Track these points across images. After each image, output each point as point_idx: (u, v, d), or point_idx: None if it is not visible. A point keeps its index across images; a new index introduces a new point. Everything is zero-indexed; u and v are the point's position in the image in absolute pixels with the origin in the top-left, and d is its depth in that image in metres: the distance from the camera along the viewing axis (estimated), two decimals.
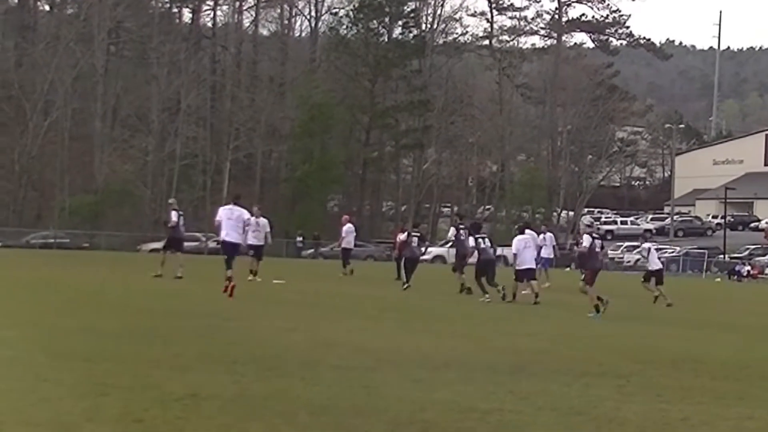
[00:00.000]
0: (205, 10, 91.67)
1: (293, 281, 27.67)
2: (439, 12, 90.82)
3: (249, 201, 49.70)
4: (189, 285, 22.99)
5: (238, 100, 78.83)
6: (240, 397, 7.96)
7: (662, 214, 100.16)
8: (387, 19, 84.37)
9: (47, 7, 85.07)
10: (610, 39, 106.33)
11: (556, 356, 12.23)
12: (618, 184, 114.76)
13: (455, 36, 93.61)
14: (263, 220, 28.18)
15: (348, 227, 33.64)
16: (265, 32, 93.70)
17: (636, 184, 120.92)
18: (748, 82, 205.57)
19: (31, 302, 17.31)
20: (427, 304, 21.27)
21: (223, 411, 7.39)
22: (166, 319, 14.62)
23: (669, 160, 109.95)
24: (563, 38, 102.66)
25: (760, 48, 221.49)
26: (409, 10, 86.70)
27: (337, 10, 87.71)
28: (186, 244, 55.33)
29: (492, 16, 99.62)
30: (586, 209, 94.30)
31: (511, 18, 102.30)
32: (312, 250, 65.55)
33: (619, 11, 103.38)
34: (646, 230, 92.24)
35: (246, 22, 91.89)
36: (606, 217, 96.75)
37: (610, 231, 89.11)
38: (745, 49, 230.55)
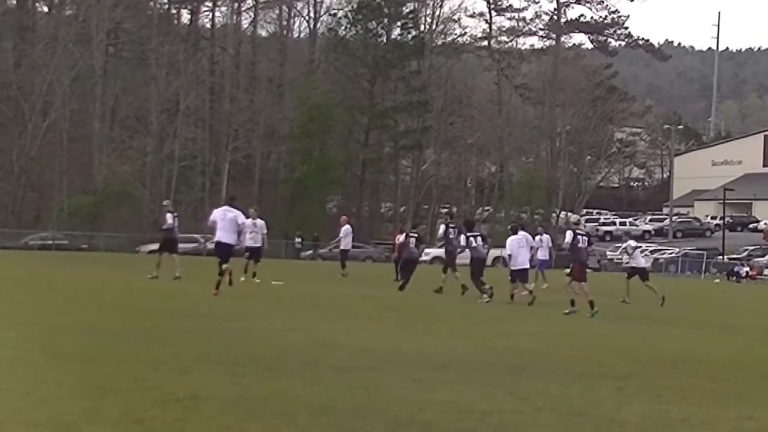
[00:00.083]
0: (204, 11, 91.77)
1: (292, 282, 27.65)
2: (437, 13, 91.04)
3: (248, 202, 49.69)
4: (188, 286, 22.97)
5: (236, 101, 78.83)
6: (240, 398, 7.96)
7: (661, 215, 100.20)
8: (386, 20, 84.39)
9: (46, 8, 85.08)
10: (609, 40, 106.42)
11: (556, 357, 12.23)
12: (617, 185, 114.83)
13: (454, 37, 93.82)
14: (260, 222, 28.14)
15: (346, 228, 33.61)
16: (263, 33, 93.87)
17: (635, 184, 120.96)
18: (747, 83, 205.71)
19: (31, 303, 17.30)
20: (426, 305, 21.26)
21: (223, 412, 7.39)
22: (166, 319, 14.61)
23: (668, 161, 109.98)
24: (562, 39, 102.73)
25: (759, 49, 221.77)
26: (407, 11, 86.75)
27: (335, 11, 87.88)
28: (184, 245, 55.67)
29: (491, 17, 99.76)
30: (585, 210, 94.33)
31: (509, 19, 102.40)
32: (311, 251, 65.52)
33: (618, 12, 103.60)
34: (645, 231, 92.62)
35: (245, 23, 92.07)
36: (605, 218, 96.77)
37: (609, 232, 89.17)
38: (743, 50, 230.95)
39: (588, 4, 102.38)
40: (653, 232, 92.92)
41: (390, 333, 14.48)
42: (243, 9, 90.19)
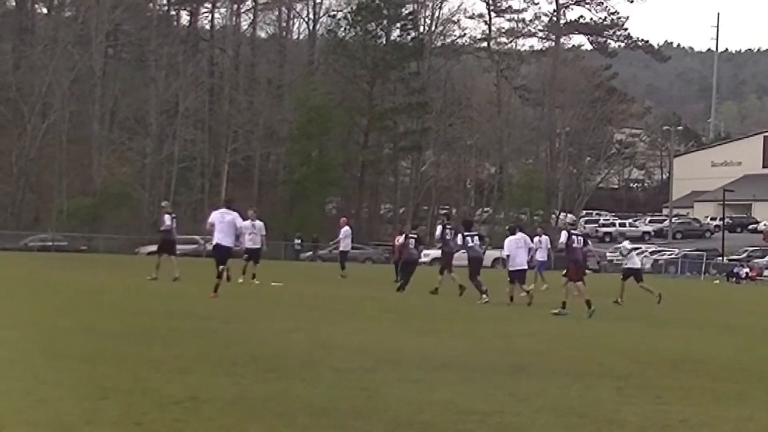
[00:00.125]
0: (203, 13, 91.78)
1: (292, 283, 27.66)
2: (437, 14, 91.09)
3: (247, 204, 49.68)
4: (187, 287, 22.97)
5: (236, 103, 78.84)
6: (240, 399, 7.96)
7: (661, 216, 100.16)
8: (385, 22, 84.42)
9: (45, 10, 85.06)
10: (609, 41, 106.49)
11: (556, 357, 12.23)
12: (616, 186, 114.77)
13: (453, 38, 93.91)
14: (259, 223, 28.12)
15: (345, 230, 33.61)
16: (263, 35, 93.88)
17: (634, 186, 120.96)
18: (746, 84, 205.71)
19: (30, 304, 17.30)
20: (425, 306, 21.27)
21: (223, 413, 7.39)
22: (166, 320, 14.61)
23: (667, 162, 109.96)
24: (561, 40, 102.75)
25: (759, 50, 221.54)
26: (407, 12, 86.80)
27: (335, 12, 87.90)
28: (184, 246, 55.66)
29: (490, 19, 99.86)
30: (584, 211, 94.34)
31: (509, 20, 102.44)
32: (310, 253, 65.52)
33: (617, 13, 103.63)
34: (645, 232, 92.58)
35: (244, 25, 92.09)
36: (604, 219, 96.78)
37: (609, 233, 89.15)
38: (743, 51, 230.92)
39: (587, 6, 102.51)
40: (653, 233, 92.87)
41: (390, 334, 14.49)
42: (242, 10, 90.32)
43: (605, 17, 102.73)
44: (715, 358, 13.13)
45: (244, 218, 23.27)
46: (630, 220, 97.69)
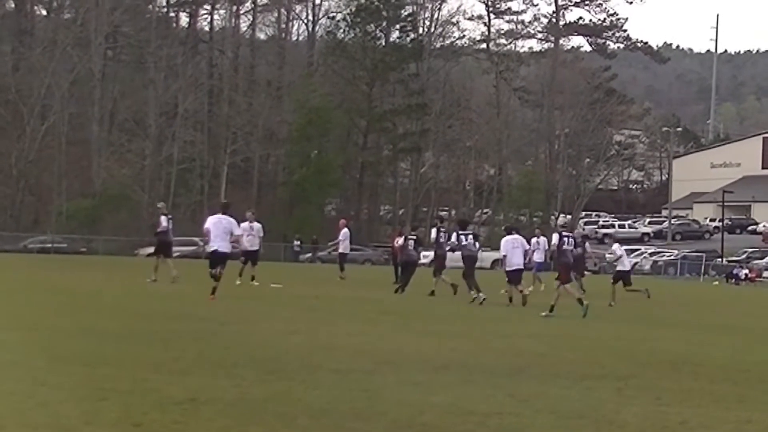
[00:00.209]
0: (203, 15, 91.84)
1: (291, 285, 27.66)
2: (436, 16, 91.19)
3: (246, 205, 49.77)
4: (187, 288, 22.97)
5: (235, 104, 78.86)
6: (240, 401, 7.96)
7: (660, 217, 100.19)
8: (384, 23, 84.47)
9: (44, 12, 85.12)
10: (608, 42, 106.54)
11: (556, 358, 12.23)
12: (616, 188, 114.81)
13: (452, 40, 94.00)
14: (257, 225, 28.13)
15: (344, 231, 33.62)
16: (262, 36, 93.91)
17: (634, 187, 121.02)
18: (745, 85, 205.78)
19: (30, 306, 17.31)
20: (425, 307, 21.27)
21: (223, 414, 7.39)
22: (165, 322, 14.61)
23: (666, 164, 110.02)
24: (560, 42, 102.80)
25: (758, 51, 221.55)
26: (406, 13, 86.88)
27: (334, 14, 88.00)
28: (183, 248, 55.66)
29: (489, 20, 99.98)
30: (584, 212, 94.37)
31: (508, 21, 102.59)
32: (310, 254, 65.53)
33: (617, 15, 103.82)
34: (644, 233, 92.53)
35: (243, 26, 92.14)
36: (604, 221, 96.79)
37: (608, 234, 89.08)
38: (742, 52, 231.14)
39: (586, 7, 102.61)
40: (652, 235, 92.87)
41: (389, 335, 14.49)
42: (241, 12, 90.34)
43: (604, 18, 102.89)
44: (715, 359, 13.13)
45: (241, 222, 23.31)
46: (629, 222, 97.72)
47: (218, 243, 20.44)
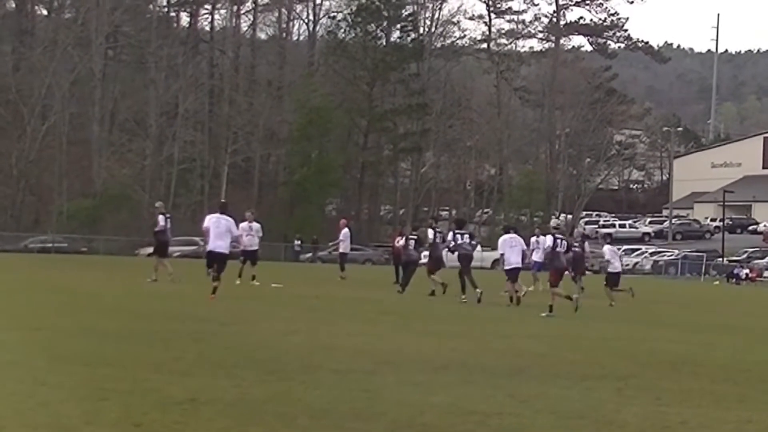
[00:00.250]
0: (203, 14, 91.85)
1: (292, 285, 27.66)
2: (437, 15, 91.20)
3: (246, 205, 49.75)
4: (188, 288, 22.98)
5: (236, 104, 78.86)
6: (240, 401, 7.96)
7: (661, 217, 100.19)
8: (385, 23, 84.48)
9: (45, 12, 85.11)
10: (608, 42, 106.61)
11: (556, 359, 12.23)
12: (616, 187, 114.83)
13: (453, 39, 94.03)
14: (256, 225, 28.16)
15: (345, 231, 33.63)
16: (263, 36, 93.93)
17: (634, 187, 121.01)
18: (746, 85, 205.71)
19: (30, 306, 17.31)
20: (425, 307, 21.28)
21: (223, 415, 7.39)
22: (166, 322, 14.61)
23: (667, 163, 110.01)
24: (561, 41, 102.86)
25: (758, 51, 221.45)
26: (407, 13, 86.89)
27: (335, 13, 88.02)
28: (185, 248, 55.63)
29: (490, 20, 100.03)
30: (584, 212, 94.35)
31: (509, 21, 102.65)
32: (310, 254, 65.54)
33: (617, 14, 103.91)
34: (645, 233, 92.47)
35: (244, 26, 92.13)
36: (604, 221, 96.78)
37: (609, 234, 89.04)
38: (743, 52, 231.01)
39: (587, 7, 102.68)
40: (653, 235, 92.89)
41: (389, 335, 14.49)
42: (242, 12, 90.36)
43: (605, 18, 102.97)
44: (715, 359, 13.13)
45: (240, 222, 23.38)
46: (630, 221, 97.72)
47: (217, 243, 20.48)
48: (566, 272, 22.14)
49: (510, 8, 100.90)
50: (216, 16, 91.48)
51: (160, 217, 27.57)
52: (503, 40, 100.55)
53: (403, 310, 20.23)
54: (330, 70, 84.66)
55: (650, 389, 9.71)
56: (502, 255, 23.63)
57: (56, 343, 11.35)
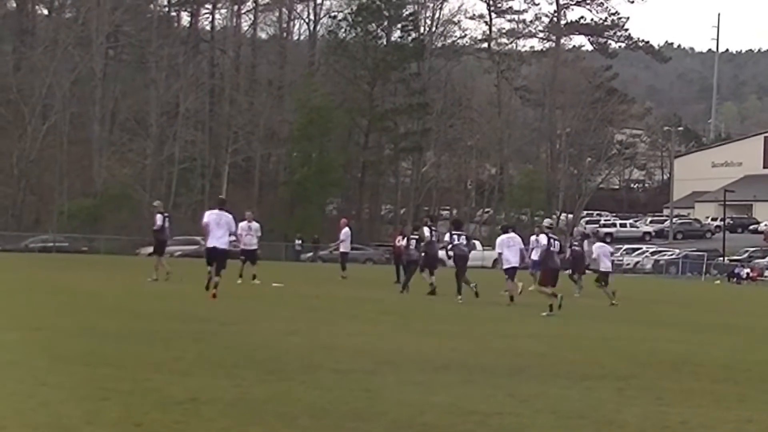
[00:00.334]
0: (204, 14, 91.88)
1: (292, 284, 27.67)
2: (437, 15, 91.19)
3: (247, 205, 49.73)
4: (188, 288, 22.98)
5: (236, 104, 78.86)
6: (240, 401, 7.96)
7: (661, 216, 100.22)
8: (386, 23, 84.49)
9: (46, 11, 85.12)
10: (609, 42, 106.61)
11: (556, 358, 12.22)
12: (617, 187, 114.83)
13: (454, 39, 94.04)
14: (255, 225, 28.22)
15: (345, 231, 33.65)
16: (263, 36, 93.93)
17: (635, 186, 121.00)
18: (746, 84, 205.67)
19: (31, 305, 17.31)
20: (425, 307, 21.28)
21: (223, 414, 7.39)
22: (166, 322, 14.62)
23: (668, 163, 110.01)
24: (562, 41, 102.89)
25: (759, 50, 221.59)
26: (407, 13, 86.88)
27: (335, 13, 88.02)
28: (185, 247, 55.60)
29: (491, 19, 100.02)
30: (585, 212, 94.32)
31: (509, 21, 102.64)
32: (311, 254, 65.54)
33: (618, 14, 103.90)
34: (646, 233, 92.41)
35: (244, 26, 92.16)
36: (605, 220, 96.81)
37: (609, 233, 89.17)
38: (743, 51, 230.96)
39: (588, 6, 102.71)
40: (654, 234, 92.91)
41: (390, 335, 14.50)
42: (243, 11, 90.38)
43: (606, 18, 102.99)
44: (716, 359, 13.12)
45: (239, 222, 23.44)
46: (631, 221, 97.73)
47: (216, 240, 20.46)
48: (560, 273, 22.12)
49: (510, 8, 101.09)
50: (217, 16, 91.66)
51: (158, 216, 27.63)
52: (504, 40, 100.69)
53: (403, 309, 20.23)
54: (331, 69, 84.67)
55: (650, 389, 9.71)
56: (500, 254, 23.76)
57: (57, 343, 11.35)
